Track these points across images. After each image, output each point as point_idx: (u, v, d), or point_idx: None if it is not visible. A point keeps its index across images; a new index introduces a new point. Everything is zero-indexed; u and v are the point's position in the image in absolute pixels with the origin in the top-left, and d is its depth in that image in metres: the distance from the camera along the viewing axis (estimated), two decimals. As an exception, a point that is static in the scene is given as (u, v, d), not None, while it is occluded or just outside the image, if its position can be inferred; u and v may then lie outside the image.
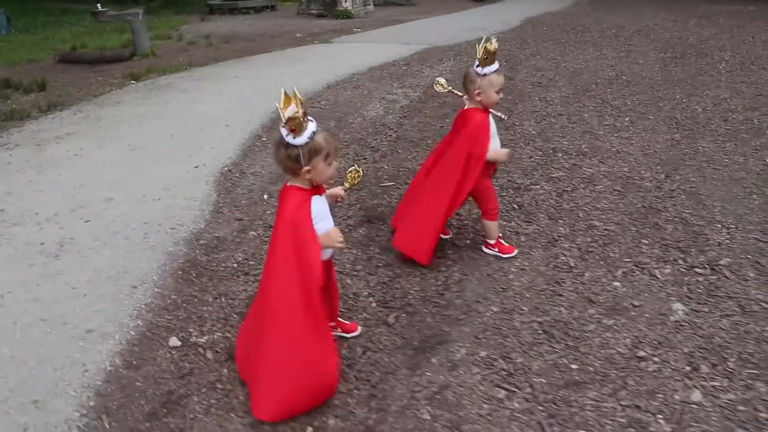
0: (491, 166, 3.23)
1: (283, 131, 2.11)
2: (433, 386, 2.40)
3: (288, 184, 2.26)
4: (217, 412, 2.33)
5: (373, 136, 5.53)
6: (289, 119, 2.06)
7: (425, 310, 2.90)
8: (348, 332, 2.75)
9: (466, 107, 3.15)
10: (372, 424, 2.24)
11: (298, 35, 11.83)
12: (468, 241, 3.53)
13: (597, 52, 9.14)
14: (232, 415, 2.32)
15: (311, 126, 2.12)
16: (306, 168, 2.15)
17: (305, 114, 2.09)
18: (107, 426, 2.25)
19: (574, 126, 5.59)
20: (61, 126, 5.82)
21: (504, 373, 2.46)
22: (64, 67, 8.99)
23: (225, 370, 2.56)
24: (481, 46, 2.91)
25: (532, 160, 4.76)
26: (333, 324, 2.71)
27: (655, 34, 10.58)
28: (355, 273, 3.26)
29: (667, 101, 6.35)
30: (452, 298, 2.98)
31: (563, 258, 3.31)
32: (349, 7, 15.18)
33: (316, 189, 2.28)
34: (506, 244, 3.38)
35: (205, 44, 11.06)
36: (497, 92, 3.01)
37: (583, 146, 5.04)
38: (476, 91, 3.02)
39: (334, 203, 2.50)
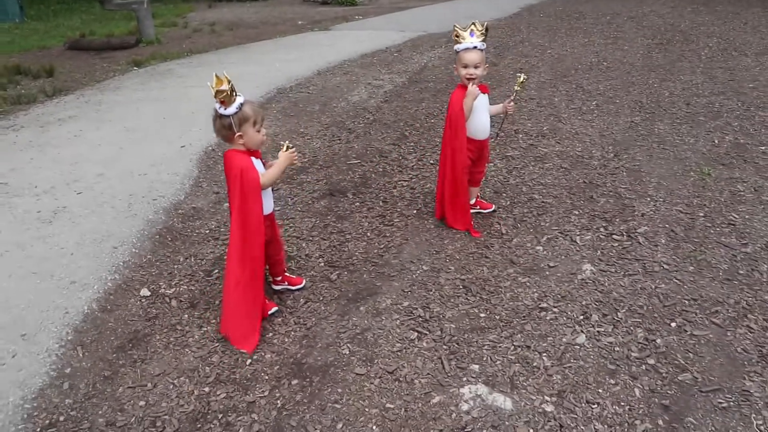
0: (473, 143, 3.49)
1: (216, 105, 2.52)
2: (357, 329, 2.80)
3: (228, 149, 2.66)
4: (174, 348, 2.76)
5: (352, 119, 5.90)
6: (218, 92, 2.48)
7: (364, 269, 3.30)
8: (294, 285, 3.14)
9: None
10: (299, 357, 2.65)
11: (299, 22, 12.19)
12: (415, 211, 3.91)
13: (585, 38, 9.39)
14: (187, 350, 2.74)
15: (239, 99, 2.54)
16: (238, 134, 2.55)
17: (232, 89, 2.51)
18: (81, 355, 2.69)
19: (542, 109, 5.91)
20: (64, 109, 6.29)
21: (420, 319, 2.85)
22: (73, 54, 9.46)
23: (185, 316, 2.98)
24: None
25: (492, 140, 5.11)
26: (279, 278, 3.12)
27: (648, 21, 10.77)
28: (310, 238, 3.66)
29: (638, 86, 6.63)
30: (390, 259, 3.37)
31: (497, 226, 3.68)
32: (353, -5, 15.48)
33: (253, 153, 2.68)
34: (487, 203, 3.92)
35: (209, 31, 11.47)
36: (464, 67, 3.27)
37: (545, 128, 5.37)
38: (455, 66, 3.39)
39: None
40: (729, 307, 2.86)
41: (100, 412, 2.39)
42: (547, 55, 8.33)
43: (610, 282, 3.08)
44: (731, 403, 2.31)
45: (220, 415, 2.38)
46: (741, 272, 3.14)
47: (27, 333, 2.80)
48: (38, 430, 2.30)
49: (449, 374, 2.50)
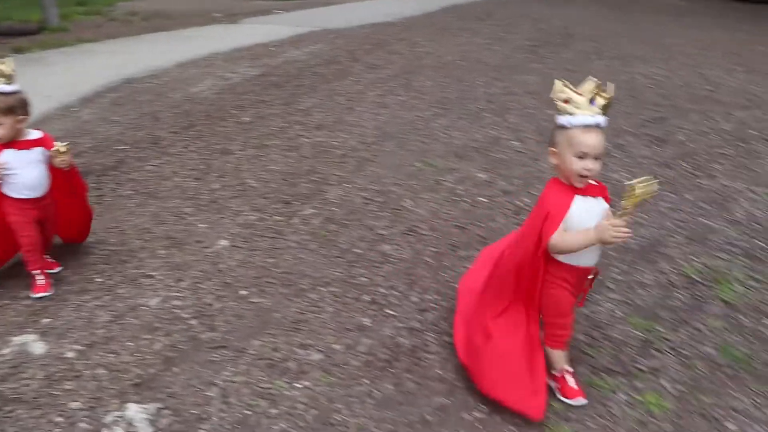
0: (572, 272, 2.27)
1: None
2: None
3: None
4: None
5: (169, 108, 6.15)
6: None
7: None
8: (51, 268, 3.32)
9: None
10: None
11: (215, 15, 12.52)
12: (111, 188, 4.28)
13: (466, 39, 9.65)
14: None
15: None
16: None
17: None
18: None
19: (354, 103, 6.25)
20: None
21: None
22: (-25, 39, 9.84)
23: None
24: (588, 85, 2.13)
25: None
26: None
27: (551, 24, 10.87)
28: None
29: (464, 83, 6.91)
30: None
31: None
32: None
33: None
34: (573, 386, 2.36)
35: (124, 21, 11.83)
36: (580, 157, 2.11)
37: (330, 119, 5.71)
38: (550, 149, 2.23)
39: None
40: (312, 281, 3.20)
41: None
42: (409, 52, 8.60)
43: (230, 255, 3.43)
44: (222, 358, 2.66)
45: None
46: (358, 251, 3.48)
47: None
48: None
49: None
